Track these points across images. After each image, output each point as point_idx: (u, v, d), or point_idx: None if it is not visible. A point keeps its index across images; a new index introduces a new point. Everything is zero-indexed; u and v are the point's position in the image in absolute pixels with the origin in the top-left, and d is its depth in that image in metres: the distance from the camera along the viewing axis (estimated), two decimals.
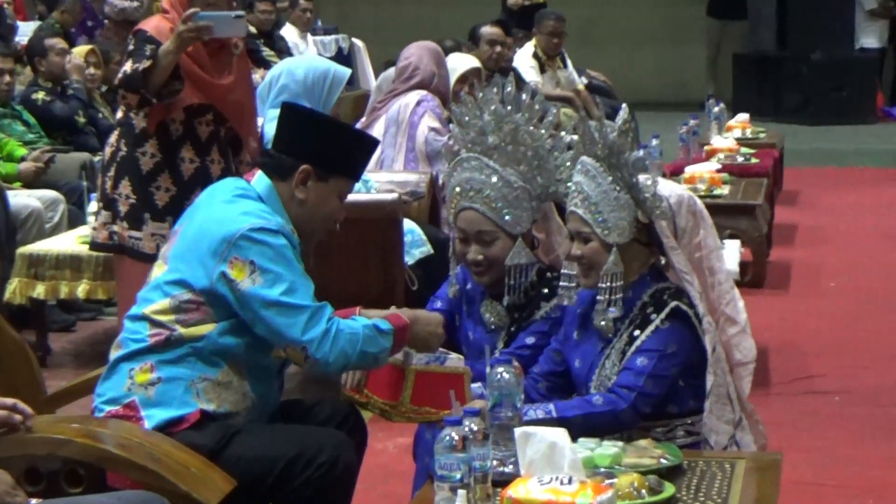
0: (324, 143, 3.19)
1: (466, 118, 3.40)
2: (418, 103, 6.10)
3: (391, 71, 6.53)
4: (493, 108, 3.36)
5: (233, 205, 3.15)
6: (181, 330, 3.10)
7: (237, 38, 4.70)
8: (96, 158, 7.19)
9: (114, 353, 3.20)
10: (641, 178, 3.09)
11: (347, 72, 5.31)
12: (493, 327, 3.41)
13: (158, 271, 3.19)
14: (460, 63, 6.74)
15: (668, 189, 3.20)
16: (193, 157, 4.63)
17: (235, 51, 4.70)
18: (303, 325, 3.05)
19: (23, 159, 6.79)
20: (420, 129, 6.07)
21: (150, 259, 4.39)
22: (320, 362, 3.06)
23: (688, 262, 3.15)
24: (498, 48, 7.93)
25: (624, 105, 3.16)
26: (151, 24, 4.67)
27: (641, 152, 3.14)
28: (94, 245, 4.84)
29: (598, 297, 3.10)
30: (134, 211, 4.61)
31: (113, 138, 4.74)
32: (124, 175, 4.63)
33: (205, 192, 3.30)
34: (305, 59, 5.83)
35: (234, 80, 4.67)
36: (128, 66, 4.52)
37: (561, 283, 3.20)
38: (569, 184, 3.24)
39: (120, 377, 3.15)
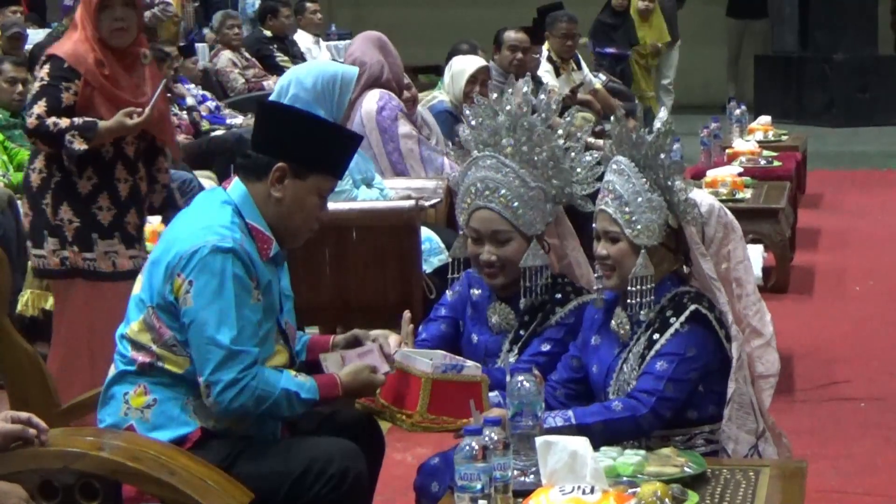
0: (299, 139, 3.15)
1: (480, 119, 3.36)
2: (381, 109, 5.87)
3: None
4: (507, 108, 3.33)
5: (197, 218, 3.13)
6: (157, 349, 3.08)
7: (144, 48, 4.63)
8: None
9: (110, 374, 3.18)
10: (677, 181, 3.06)
11: (355, 70, 5.26)
12: (498, 330, 3.37)
13: (137, 287, 3.18)
14: (468, 64, 6.70)
15: (700, 197, 3.19)
16: (126, 177, 4.58)
17: (145, 60, 4.64)
18: (214, 365, 3.00)
19: None
20: (402, 142, 5.93)
21: (109, 277, 4.49)
22: (218, 407, 3.03)
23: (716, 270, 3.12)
24: (519, 54, 7.87)
25: (663, 108, 3.15)
26: (68, 50, 4.50)
27: (678, 155, 3.13)
28: (41, 272, 4.71)
29: (628, 301, 3.06)
30: (80, 234, 4.52)
31: (40, 164, 4.57)
32: (63, 200, 4.53)
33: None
34: (310, 65, 5.64)
35: (150, 93, 4.59)
36: (40, 109, 4.42)
37: (595, 287, 3.19)
38: (594, 183, 3.25)
39: (116, 402, 3.14)
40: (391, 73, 5.99)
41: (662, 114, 3.13)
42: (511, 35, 7.95)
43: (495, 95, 3.37)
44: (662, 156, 3.08)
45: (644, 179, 3.08)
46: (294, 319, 3.29)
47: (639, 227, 3.07)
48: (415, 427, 3.09)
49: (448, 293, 3.51)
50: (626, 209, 3.07)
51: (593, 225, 3.16)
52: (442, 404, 3.04)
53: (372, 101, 5.89)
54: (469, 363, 3.13)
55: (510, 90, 3.35)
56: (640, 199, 3.07)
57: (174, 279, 3.04)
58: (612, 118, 3.26)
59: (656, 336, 3.06)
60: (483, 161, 3.34)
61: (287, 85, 5.12)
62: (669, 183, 3.07)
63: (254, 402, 3.01)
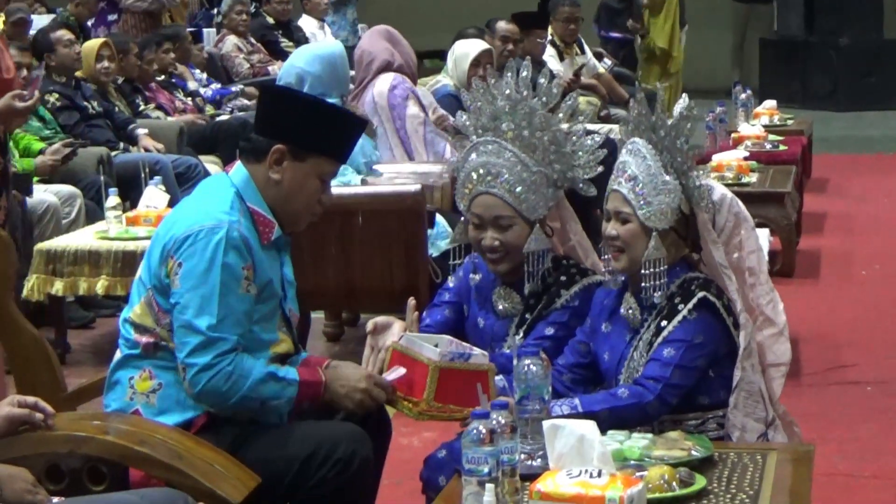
0: (298, 121, 3.13)
1: (478, 104, 3.34)
2: (393, 88, 5.97)
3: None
4: (507, 92, 3.31)
5: (197, 202, 3.14)
6: (160, 331, 3.08)
7: None
8: (114, 153, 7.18)
9: (114, 359, 3.19)
10: (694, 166, 3.06)
11: (339, 43, 5.33)
12: (504, 315, 3.36)
13: (139, 271, 3.19)
14: (471, 47, 6.69)
15: (712, 186, 3.18)
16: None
17: None
18: (190, 348, 3.00)
19: (41, 153, 6.77)
20: (408, 121, 5.97)
21: None
22: (192, 389, 3.03)
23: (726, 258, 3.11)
24: (510, 45, 7.85)
25: (684, 95, 3.15)
26: None
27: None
28: None
29: (643, 284, 3.05)
30: None
31: None
32: None
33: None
34: (308, 56, 5.54)
35: (13, 70, 4.59)
36: None
37: (605, 269, 3.17)
38: (597, 167, 3.23)
39: (121, 387, 3.15)
40: (402, 59, 6.07)
41: (685, 99, 3.12)
42: (502, 25, 7.92)
43: (493, 80, 3.35)
44: (682, 139, 3.07)
45: (660, 162, 3.06)
46: (297, 307, 3.29)
47: (652, 208, 3.05)
48: (421, 415, 3.07)
49: (451, 279, 3.50)
50: (641, 190, 3.05)
51: (604, 205, 3.15)
52: (449, 393, 3.02)
53: (385, 81, 5.98)
54: (476, 351, 3.11)
55: (509, 74, 3.32)
56: (655, 181, 3.05)
57: (168, 261, 3.06)
58: (630, 101, 3.25)
59: (664, 323, 3.05)
60: (484, 146, 3.31)
61: (299, 81, 5.15)
62: (686, 167, 3.06)
63: (229, 386, 3.00)
